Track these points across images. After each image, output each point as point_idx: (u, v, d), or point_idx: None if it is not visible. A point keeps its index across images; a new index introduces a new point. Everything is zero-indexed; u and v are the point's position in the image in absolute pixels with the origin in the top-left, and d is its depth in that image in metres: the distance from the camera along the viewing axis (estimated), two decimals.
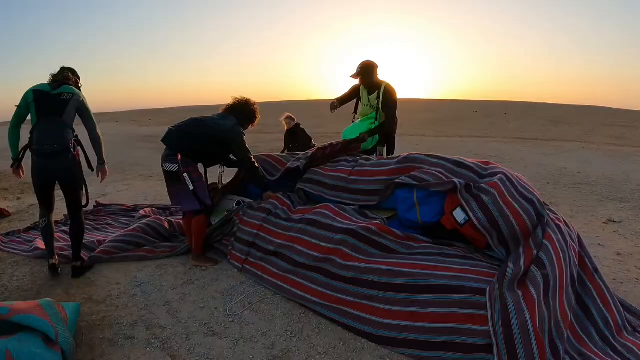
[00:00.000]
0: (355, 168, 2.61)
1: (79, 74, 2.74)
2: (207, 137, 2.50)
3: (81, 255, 2.60)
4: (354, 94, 3.50)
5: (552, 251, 1.89)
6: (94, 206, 4.00)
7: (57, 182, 2.48)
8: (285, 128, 5.31)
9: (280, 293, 2.20)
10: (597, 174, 5.52)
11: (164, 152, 2.55)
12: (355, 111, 3.57)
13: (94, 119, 2.56)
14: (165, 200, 4.43)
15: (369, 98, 3.36)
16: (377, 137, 3.33)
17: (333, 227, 2.20)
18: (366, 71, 3.23)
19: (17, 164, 2.56)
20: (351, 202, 2.51)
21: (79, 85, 2.70)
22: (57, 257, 2.66)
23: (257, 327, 1.96)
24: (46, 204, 2.59)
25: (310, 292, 2.08)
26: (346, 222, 2.23)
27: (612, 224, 3.51)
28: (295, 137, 5.27)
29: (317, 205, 2.44)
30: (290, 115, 5.30)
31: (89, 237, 3.03)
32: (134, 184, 5.60)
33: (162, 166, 2.51)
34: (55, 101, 2.42)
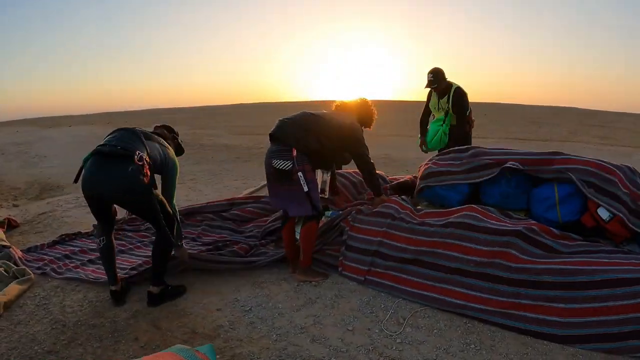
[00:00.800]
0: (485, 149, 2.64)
1: (175, 130, 2.48)
2: (326, 131, 2.26)
3: (162, 279, 2.18)
4: (427, 104, 3.69)
5: None
6: (127, 213, 3.53)
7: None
8: None
9: (430, 304, 2.02)
10: None
11: (271, 147, 2.25)
12: (426, 114, 3.75)
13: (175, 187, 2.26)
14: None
15: (439, 102, 3.51)
16: (445, 139, 3.51)
17: (491, 229, 2.08)
18: (438, 78, 3.37)
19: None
20: (489, 176, 2.50)
21: (179, 141, 2.47)
22: (120, 283, 2.25)
23: (434, 345, 1.75)
24: (103, 219, 2.17)
25: (472, 299, 1.95)
26: (502, 223, 2.13)
27: None
28: None
29: (461, 207, 2.30)
30: None
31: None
32: None
33: (272, 163, 2.19)
34: (146, 131, 2.17)
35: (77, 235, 3.14)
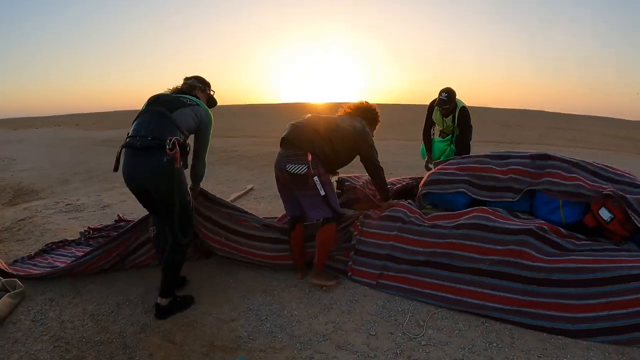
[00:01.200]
0: (489, 165, 2.63)
1: (207, 81, 2.32)
2: (338, 135, 2.26)
3: (172, 291, 2.10)
4: (429, 116, 3.77)
5: None
6: (115, 221, 3.37)
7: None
8: None
9: (448, 305, 2.06)
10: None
11: (283, 151, 2.22)
12: (428, 126, 3.82)
13: (208, 142, 2.20)
14: None
15: (444, 120, 3.62)
16: (451, 149, 3.67)
17: (504, 228, 2.14)
18: (450, 98, 3.45)
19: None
20: (490, 199, 2.51)
21: (211, 93, 2.32)
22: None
23: (458, 345, 1.79)
24: (153, 210, 2.19)
25: (489, 298, 2.01)
26: (513, 223, 2.19)
27: None
28: None
29: (471, 209, 2.35)
30: None
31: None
32: (129, 192, 4.93)
33: (286, 167, 2.17)
34: (171, 98, 2.06)
35: (65, 243, 2.97)
